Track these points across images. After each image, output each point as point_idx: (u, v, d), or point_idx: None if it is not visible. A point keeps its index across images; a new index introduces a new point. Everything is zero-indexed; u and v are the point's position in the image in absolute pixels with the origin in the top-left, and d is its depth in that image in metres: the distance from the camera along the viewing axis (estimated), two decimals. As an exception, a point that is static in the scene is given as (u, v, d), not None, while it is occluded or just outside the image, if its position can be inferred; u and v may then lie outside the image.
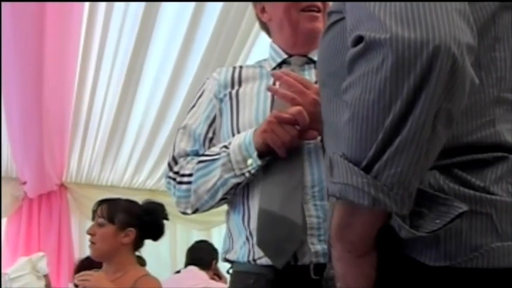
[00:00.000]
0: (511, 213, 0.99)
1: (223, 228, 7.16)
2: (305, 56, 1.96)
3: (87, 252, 4.65)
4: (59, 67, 4.60)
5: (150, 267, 4.44)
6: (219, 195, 1.85)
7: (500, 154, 1.03)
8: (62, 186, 6.32)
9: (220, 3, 4.42)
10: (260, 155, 1.77)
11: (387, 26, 0.89)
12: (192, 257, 4.88)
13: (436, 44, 0.87)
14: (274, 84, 1.92)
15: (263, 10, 2.05)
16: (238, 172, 1.80)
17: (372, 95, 0.90)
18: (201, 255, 4.83)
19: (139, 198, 4.76)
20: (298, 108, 1.72)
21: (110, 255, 3.15)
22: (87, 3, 4.30)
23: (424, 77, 0.87)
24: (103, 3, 4.34)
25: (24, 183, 6.01)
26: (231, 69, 2.05)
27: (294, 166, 1.77)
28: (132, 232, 3.17)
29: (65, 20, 4.30)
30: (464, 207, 0.93)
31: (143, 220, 3.26)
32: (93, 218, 3.21)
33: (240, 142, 1.82)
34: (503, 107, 1.08)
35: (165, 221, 4.61)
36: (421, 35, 0.87)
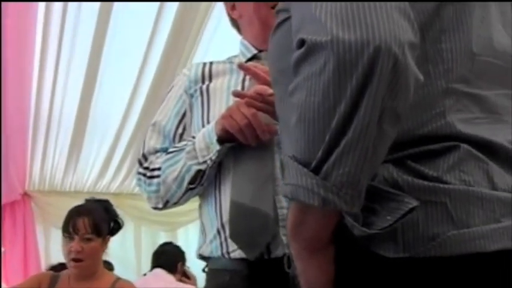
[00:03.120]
0: (465, 200, 1.01)
1: (189, 228, 7.22)
2: None
3: (53, 260, 4.63)
4: (17, 72, 4.55)
5: (116, 271, 4.45)
6: (185, 182, 1.86)
7: (452, 143, 1.05)
8: (25, 194, 6.26)
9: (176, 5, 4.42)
10: (221, 141, 1.78)
11: (328, 28, 0.90)
12: (158, 260, 4.87)
13: (376, 45, 0.88)
14: (244, 77, 1.94)
15: (233, 7, 2.06)
16: (201, 159, 1.82)
17: (316, 98, 0.91)
18: (167, 258, 4.82)
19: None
20: (262, 86, 1.74)
21: (94, 267, 3.11)
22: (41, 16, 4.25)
23: (367, 78, 0.88)
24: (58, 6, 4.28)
25: (-13, 193, 5.94)
26: (201, 65, 2.05)
27: (265, 157, 1.78)
28: (108, 238, 3.16)
29: (22, 22, 4.25)
30: (414, 203, 0.95)
31: (110, 222, 3.24)
32: (68, 231, 3.07)
33: (204, 131, 1.84)
34: (453, 97, 1.09)
35: (130, 224, 4.57)
36: (361, 36, 0.88)
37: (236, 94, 1.77)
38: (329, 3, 0.93)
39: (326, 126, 0.91)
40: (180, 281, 4.69)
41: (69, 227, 3.06)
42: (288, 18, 1.12)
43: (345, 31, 0.89)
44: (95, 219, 3.08)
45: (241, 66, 1.87)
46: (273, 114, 1.71)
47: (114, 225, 3.28)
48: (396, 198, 0.97)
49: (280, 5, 1.19)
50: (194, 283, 4.72)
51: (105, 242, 3.14)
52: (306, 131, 0.93)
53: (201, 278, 1.99)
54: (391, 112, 0.92)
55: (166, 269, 4.68)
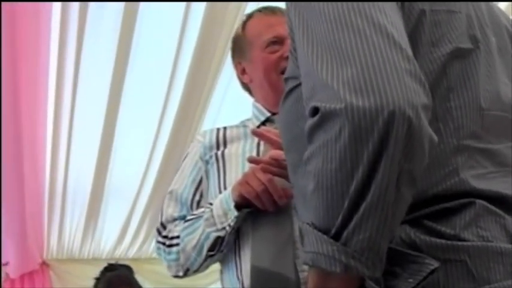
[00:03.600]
0: (484, 256, 1.00)
1: (210, 291, 7.10)
2: None
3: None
4: (31, 138, 4.59)
5: None
6: (204, 250, 1.86)
7: (467, 200, 1.05)
8: (44, 263, 6.24)
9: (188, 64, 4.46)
10: (238, 207, 1.78)
11: (341, 95, 0.91)
12: None
13: (390, 110, 0.89)
14: (259, 142, 1.95)
15: (243, 72, 2.10)
16: (219, 226, 1.82)
17: (333, 164, 0.92)
18: None
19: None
20: (277, 151, 1.74)
21: None
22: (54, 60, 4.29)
23: (383, 143, 0.89)
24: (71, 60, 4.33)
25: (6, 263, 5.92)
26: (215, 131, 2.07)
27: (283, 221, 1.78)
28: None
29: (33, 85, 4.30)
30: (435, 264, 0.95)
31: None
32: None
33: (221, 197, 1.85)
34: (465, 154, 1.10)
35: None
36: (375, 102, 0.90)
37: (251, 160, 1.78)
38: (339, 69, 0.94)
39: (344, 192, 0.92)
40: None
41: None
42: (297, 86, 1.14)
43: (359, 98, 0.90)
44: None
45: (254, 133, 1.88)
46: (288, 178, 1.72)
47: None
48: (417, 260, 0.97)
49: (288, 72, 1.21)
50: None
51: None
52: (324, 198, 0.94)
53: None
54: (407, 175, 0.93)
55: None
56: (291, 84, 1.19)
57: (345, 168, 0.91)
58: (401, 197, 0.94)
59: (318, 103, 0.95)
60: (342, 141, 0.91)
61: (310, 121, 0.97)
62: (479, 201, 1.06)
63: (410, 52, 0.98)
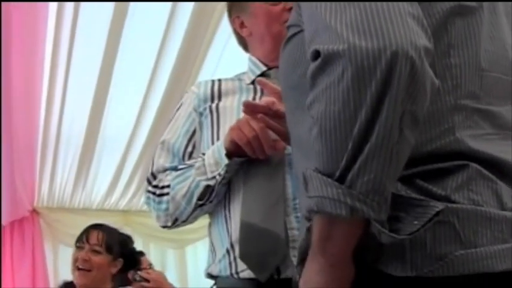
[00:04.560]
0: (473, 220, 1.00)
1: (198, 246, 7.21)
2: None
3: (62, 277, 4.61)
4: (26, 89, 4.57)
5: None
6: (194, 199, 1.85)
7: (460, 162, 1.04)
8: (34, 211, 6.26)
9: (187, 21, 4.42)
10: (230, 155, 1.78)
11: (344, 36, 0.91)
12: None
13: (393, 50, 0.89)
14: (254, 96, 1.94)
15: (242, 25, 2.06)
16: (210, 175, 1.81)
17: (336, 107, 0.92)
18: None
19: (113, 220, 4.76)
20: (270, 98, 1.74)
21: (100, 284, 3.11)
22: (52, 17, 4.25)
23: (386, 83, 0.89)
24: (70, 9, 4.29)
25: (-3, 210, 5.95)
26: (210, 83, 2.04)
27: (276, 177, 1.78)
28: (120, 263, 3.17)
29: (30, 38, 4.27)
30: (440, 206, 0.96)
31: (128, 251, 3.25)
32: (78, 242, 3.15)
33: (214, 147, 1.85)
34: (462, 113, 1.09)
35: (139, 241, 4.54)
36: (378, 42, 0.89)
37: (247, 104, 1.76)
38: (343, 12, 0.94)
39: (348, 135, 0.91)
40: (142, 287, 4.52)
41: (83, 237, 3.13)
42: (298, 32, 1.13)
43: (361, 39, 0.90)
44: (108, 236, 3.11)
45: (259, 82, 1.88)
46: (281, 133, 1.72)
47: (132, 259, 3.31)
48: (421, 203, 0.97)
49: (291, 19, 1.20)
50: (158, 283, 4.56)
51: (114, 264, 3.13)
52: (327, 141, 0.93)
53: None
54: (410, 116, 0.93)
55: (121, 285, 4.55)
56: (292, 31, 1.18)
57: (348, 110, 0.91)
58: (405, 138, 0.94)
59: (320, 45, 0.94)
60: (344, 83, 0.91)
61: (312, 65, 0.96)
62: (472, 165, 1.05)
63: None
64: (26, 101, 4.68)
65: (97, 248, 3.08)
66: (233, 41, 2.19)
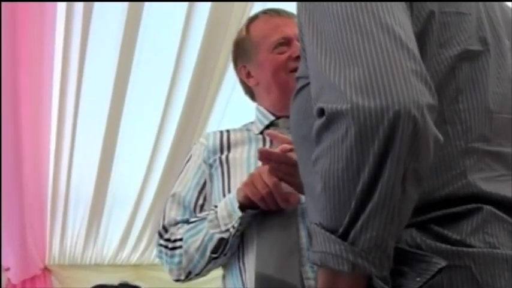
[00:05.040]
0: (489, 263, 1.00)
1: (211, 297, 7.06)
2: None
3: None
4: (34, 144, 4.58)
5: None
6: (208, 252, 1.83)
7: (474, 205, 1.05)
8: (45, 269, 6.22)
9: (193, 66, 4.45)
10: (243, 208, 1.77)
11: (347, 96, 0.92)
12: None
13: (395, 110, 0.89)
14: (263, 147, 1.94)
15: (248, 75, 2.07)
16: (223, 228, 1.80)
17: (340, 165, 0.93)
18: None
19: (124, 275, 4.72)
20: (286, 145, 1.73)
21: None
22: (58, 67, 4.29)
23: (388, 142, 0.90)
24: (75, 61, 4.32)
25: (7, 269, 5.91)
26: (218, 134, 2.05)
27: (289, 227, 1.76)
28: None
29: (36, 87, 4.29)
30: (442, 263, 0.95)
31: None
32: None
33: (226, 199, 1.83)
34: (474, 157, 1.10)
35: None
36: (381, 102, 0.90)
37: (263, 152, 1.75)
38: (346, 70, 0.95)
39: (351, 192, 0.92)
40: None
41: None
42: (306, 85, 1.14)
43: (364, 98, 0.91)
44: None
45: (269, 134, 1.88)
46: (295, 184, 1.71)
47: None
48: (424, 259, 0.97)
49: (299, 71, 1.22)
50: None
51: None
52: (331, 199, 0.94)
53: None
54: (413, 174, 0.93)
55: None
56: (301, 83, 1.19)
57: (352, 168, 0.92)
58: (408, 196, 0.94)
59: (324, 104, 0.95)
60: (348, 142, 0.92)
61: (317, 122, 0.97)
62: (486, 207, 1.05)
63: (417, 53, 0.98)
64: (35, 158, 4.69)
65: None
66: (239, 89, 2.20)
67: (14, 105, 4.15)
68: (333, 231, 0.95)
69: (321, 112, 0.96)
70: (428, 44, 1.10)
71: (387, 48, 0.95)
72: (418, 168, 0.94)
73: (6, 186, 4.67)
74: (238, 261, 1.85)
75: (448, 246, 1.01)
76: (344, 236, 0.94)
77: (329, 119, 0.94)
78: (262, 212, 1.79)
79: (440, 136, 0.96)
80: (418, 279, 0.95)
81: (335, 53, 0.99)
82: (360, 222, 0.92)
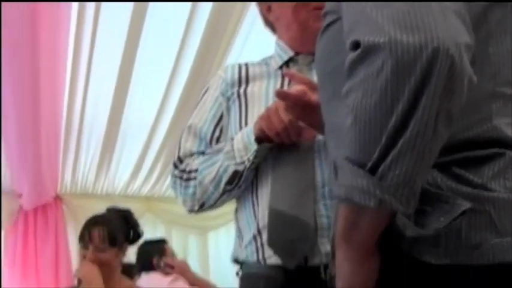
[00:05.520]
0: (509, 209, 1.00)
1: (219, 232, 7.21)
2: (312, 54, 1.93)
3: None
4: (51, 75, 4.58)
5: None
6: (222, 183, 1.84)
7: (497, 150, 1.04)
8: (57, 197, 6.29)
9: (210, 6, 4.40)
10: (259, 142, 1.77)
11: (385, 30, 0.91)
12: (138, 265, 4.71)
13: (434, 46, 0.88)
14: (282, 82, 1.92)
15: (269, 9, 2.03)
16: (239, 160, 1.81)
17: (373, 99, 0.92)
18: (141, 259, 4.64)
19: (135, 206, 4.74)
20: (302, 86, 1.71)
21: (111, 274, 3.06)
22: (75, 10, 4.27)
23: (425, 79, 0.89)
24: (92, 7, 4.30)
25: (20, 195, 5.98)
26: (237, 67, 2.03)
27: (305, 164, 1.77)
28: (125, 246, 3.14)
29: (55, 26, 4.29)
30: (467, 205, 0.95)
31: (129, 232, 3.21)
32: (82, 241, 3.08)
33: (243, 132, 1.83)
34: (500, 101, 1.09)
35: (161, 228, 4.44)
36: (420, 38, 0.89)
37: (280, 93, 1.73)
38: (385, 6, 0.94)
39: (383, 127, 0.92)
40: (165, 274, 4.54)
41: (85, 237, 3.07)
42: (336, 20, 1.13)
43: (403, 33, 0.90)
44: (110, 230, 3.04)
45: (287, 74, 1.86)
46: (310, 124, 1.71)
47: (133, 235, 3.26)
48: (448, 200, 0.97)
49: (328, 6, 1.20)
50: (182, 269, 4.58)
51: (121, 251, 3.11)
52: (361, 132, 0.94)
53: (232, 280, 1.97)
54: (445, 113, 0.93)
55: (146, 270, 4.56)
56: (330, 18, 1.17)
57: (385, 103, 0.91)
58: (438, 135, 0.94)
59: (361, 37, 0.94)
60: (383, 75, 0.90)
61: (351, 55, 0.96)
62: (509, 153, 1.05)
63: None
64: (51, 88, 4.69)
65: (101, 246, 3.02)
66: (259, 23, 2.16)
67: (32, 35, 4.13)
68: (360, 166, 0.94)
69: (356, 45, 0.95)
70: None
71: None
72: (451, 108, 0.93)
73: (23, 115, 4.70)
74: (252, 195, 1.85)
75: (469, 189, 1.00)
76: (372, 171, 0.93)
77: (365, 51, 0.93)
78: (278, 146, 1.79)
79: (474, 77, 0.96)
80: (442, 219, 0.95)
81: None
82: (389, 158, 0.92)
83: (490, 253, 0.98)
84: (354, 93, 0.95)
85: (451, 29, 0.91)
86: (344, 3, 1.05)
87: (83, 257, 3.05)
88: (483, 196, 1.00)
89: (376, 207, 0.93)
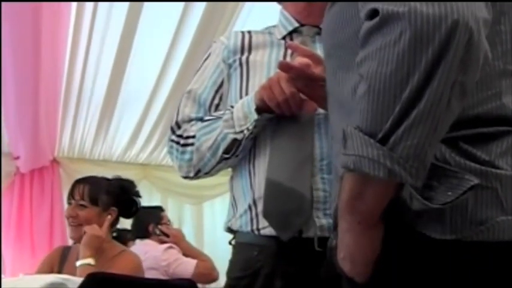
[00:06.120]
0: None
1: (215, 202, 7.24)
2: (317, 26, 1.91)
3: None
4: (52, 39, 4.55)
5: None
6: (220, 151, 1.83)
7: (505, 128, 1.04)
8: (54, 161, 6.29)
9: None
10: (259, 111, 1.76)
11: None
12: (132, 231, 4.71)
13: (454, 18, 0.89)
14: (285, 52, 1.90)
15: None
16: (238, 129, 1.79)
17: (389, 68, 0.91)
18: (137, 225, 4.64)
19: (131, 173, 4.74)
20: (305, 58, 1.70)
21: None
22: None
23: (442, 51, 0.89)
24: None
25: (17, 158, 5.97)
26: (240, 34, 2.01)
27: (304, 137, 1.76)
28: (114, 211, 3.10)
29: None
30: (475, 180, 0.95)
31: (121, 199, 3.20)
32: (68, 199, 3.11)
33: (243, 100, 1.82)
34: (509, 79, 1.09)
35: (157, 196, 4.43)
36: (440, 9, 0.89)
37: (283, 65, 1.72)
38: None
39: (397, 97, 0.91)
40: (160, 241, 4.55)
41: (70, 193, 3.11)
42: None
43: (423, 3, 0.90)
44: (92, 188, 3.05)
45: (290, 46, 1.84)
46: (312, 97, 1.71)
47: (128, 206, 3.24)
48: (456, 175, 0.97)
49: None
50: (177, 238, 4.59)
51: (107, 214, 3.08)
52: (375, 102, 0.93)
53: (226, 251, 1.96)
54: (460, 87, 0.93)
55: (141, 236, 4.57)
56: None
57: (401, 73, 0.91)
58: (451, 108, 0.94)
59: (379, 5, 0.93)
60: (401, 45, 0.91)
61: (368, 23, 0.95)
62: None
63: None
64: (52, 51, 4.66)
65: (82, 202, 3.03)
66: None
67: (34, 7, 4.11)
68: (371, 135, 0.94)
69: (373, 14, 0.94)
70: None
71: None
72: (466, 81, 0.93)
73: (23, 77, 4.68)
74: (249, 164, 1.84)
75: (477, 165, 1.00)
76: (383, 141, 0.93)
77: (383, 20, 0.92)
78: (278, 117, 1.78)
79: (489, 52, 0.96)
80: (449, 193, 0.96)
81: None
82: (402, 128, 0.91)
83: (496, 230, 0.98)
84: (369, 62, 0.94)
85: (471, 3, 0.91)
86: None
87: (67, 216, 3.07)
88: (491, 173, 1.00)
89: (385, 177, 0.93)
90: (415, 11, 0.89)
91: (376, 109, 0.93)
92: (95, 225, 2.99)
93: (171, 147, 1.96)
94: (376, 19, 0.93)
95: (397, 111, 0.91)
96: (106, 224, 3.04)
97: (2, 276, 3.78)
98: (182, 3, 4.57)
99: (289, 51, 1.89)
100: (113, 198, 3.13)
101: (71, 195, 3.09)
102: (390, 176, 0.93)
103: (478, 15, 0.91)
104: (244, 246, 1.84)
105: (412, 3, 0.90)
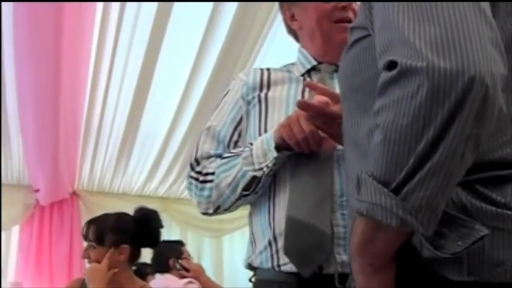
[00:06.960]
0: None
1: (234, 236, 7.22)
2: (334, 64, 1.93)
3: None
4: (73, 73, 4.61)
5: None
6: (239, 188, 1.84)
7: None
8: (74, 194, 6.31)
9: (234, 7, 4.38)
10: (278, 149, 1.76)
11: (423, 54, 0.92)
12: (153, 265, 4.70)
13: (471, 75, 0.90)
14: (304, 89, 1.92)
15: (293, 18, 2.04)
16: (257, 166, 1.80)
17: (405, 120, 0.93)
18: (157, 259, 4.63)
19: (151, 206, 4.71)
20: (323, 97, 1.72)
21: (114, 276, 3.07)
22: (99, 9, 4.29)
23: (458, 106, 0.90)
24: (116, 8, 4.32)
25: (37, 190, 6.00)
26: (259, 71, 2.03)
27: (324, 173, 1.77)
28: (125, 249, 3.07)
29: (78, 24, 4.32)
30: (485, 231, 0.96)
31: (136, 233, 3.15)
32: (84, 240, 3.13)
33: (263, 138, 1.83)
34: None
35: (176, 229, 4.40)
36: (457, 65, 0.90)
37: (302, 103, 1.74)
38: (421, 27, 0.95)
39: (412, 149, 0.93)
40: (180, 276, 4.53)
41: (82, 235, 3.14)
42: (365, 36, 1.14)
43: (441, 58, 0.91)
44: (97, 229, 3.04)
45: (308, 85, 1.85)
46: (331, 134, 1.72)
47: (145, 238, 3.21)
48: (467, 224, 0.98)
49: (356, 22, 1.21)
50: (197, 273, 4.57)
51: (118, 252, 3.06)
52: (390, 152, 0.95)
53: (246, 285, 1.96)
54: (474, 140, 0.94)
55: (161, 270, 4.55)
56: (358, 34, 1.19)
57: (417, 126, 0.92)
58: (465, 160, 0.95)
59: (398, 58, 0.95)
60: (418, 99, 0.92)
61: (386, 74, 0.97)
62: None
63: (493, 21, 0.99)
64: (72, 86, 4.71)
65: (92, 243, 3.04)
66: (283, 28, 2.15)
67: (56, 29, 4.15)
68: (385, 184, 0.95)
69: (391, 65, 0.96)
70: (497, 12, 1.09)
71: (465, 11, 0.95)
72: (480, 135, 0.95)
73: (43, 110, 4.72)
74: (268, 201, 1.84)
75: (493, 208, 1.01)
76: (396, 191, 0.94)
77: (401, 73, 0.93)
78: (297, 154, 1.78)
79: (504, 106, 0.97)
80: (459, 243, 0.96)
81: (410, 8, 0.98)
82: (415, 180, 0.93)
83: None
84: (386, 113, 0.96)
85: (488, 58, 0.92)
86: (377, 21, 1.06)
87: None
88: (507, 215, 1.00)
89: (397, 227, 0.94)
90: (433, 66, 0.90)
91: (391, 159, 0.95)
92: (93, 263, 3.01)
93: (190, 183, 1.96)
94: (395, 71, 0.94)
95: (411, 163, 0.93)
96: (104, 260, 3.02)
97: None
98: (200, 39, 4.60)
99: (307, 88, 1.90)
100: (122, 235, 3.09)
101: (84, 236, 3.12)
102: (402, 225, 0.94)
103: (494, 71, 0.91)
104: (264, 283, 1.84)
105: (430, 57, 0.91)
